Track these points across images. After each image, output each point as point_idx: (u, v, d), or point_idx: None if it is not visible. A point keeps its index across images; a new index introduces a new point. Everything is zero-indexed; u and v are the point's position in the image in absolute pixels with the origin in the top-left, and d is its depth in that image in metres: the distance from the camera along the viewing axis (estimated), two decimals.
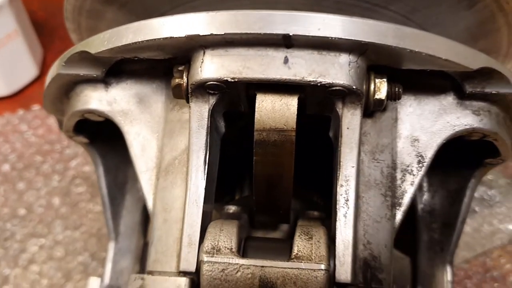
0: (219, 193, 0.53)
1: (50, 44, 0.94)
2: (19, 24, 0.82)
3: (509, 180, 0.77)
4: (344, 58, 0.35)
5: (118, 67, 0.42)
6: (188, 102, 0.37)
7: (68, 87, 0.44)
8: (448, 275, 0.50)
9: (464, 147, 0.49)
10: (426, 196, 0.53)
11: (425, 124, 0.40)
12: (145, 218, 0.54)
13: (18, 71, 0.86)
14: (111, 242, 0.53)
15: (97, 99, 0.42)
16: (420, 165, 0.39)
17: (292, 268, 0.34)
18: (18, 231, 0.73)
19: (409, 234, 0.55)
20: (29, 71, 0.87)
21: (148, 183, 0.40)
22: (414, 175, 0.39)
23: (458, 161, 0.51)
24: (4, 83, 0.85)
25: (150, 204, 0.40)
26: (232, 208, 0.43)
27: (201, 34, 0.34)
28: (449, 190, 0.52)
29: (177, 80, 0.37)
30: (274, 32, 0.33)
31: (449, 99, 0.40)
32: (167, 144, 0.40)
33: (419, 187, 0.54)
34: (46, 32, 0.96)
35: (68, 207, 0.75)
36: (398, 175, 0.39)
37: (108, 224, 0.53)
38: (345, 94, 0.35)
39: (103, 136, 0.51)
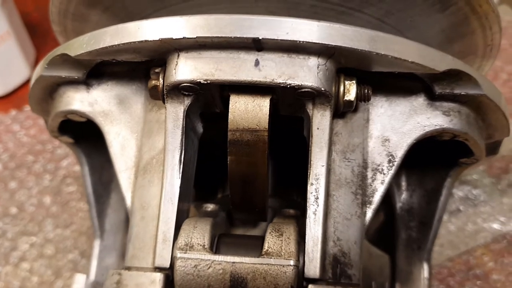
0: (201, 192, 0.54)
1: (43, 45, 0.95)
2: (11, 25, 0.83)
3: (494, 179, 0.78)
4: (313, 61, 0.36)
5: (99, 69, 0.43)
6: (164, 103, 0.38)
7: (52, 89, 0.45)
8: (425, 272, 0.51)
9: (440, 147, 0.50)
10: (404, 195, 0.55)
11: (396, 125, 0.41)
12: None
13: (11, 72, 0.87)
14: (96, 240, 0.54)
15: (79, 100, 0.43)
16: (391, 164, 0.40)
17: (262, 264, 0.35)
18: (10, 230, 0.74)
19: (388, 232, 0.56)
20: (22, 72, 0.88)
21: (127, 181, 0.41)
22: (384, 174, 0.40)
23: (434, 161, 0.52)
24: None
25: (128, 202, 0.41)
26: (210, 206, 0.44)
27: (174, 37, 0.35)
28: (426, 189, 0.53)
29: (153, 82, 0.38)
30: (244, 36, 0.34)
31: (419, 100, 0.41)
32: (145, 144, 0.42)
33: (398, 186, 0.55)
34: (40, 34, 0.97)
35: (59, 206, 0.76)
36: (369, 174, 0.40)
37: (93, 222, 0.54)
38: (314, 96, 0.36)
39: (88, 136, 0.52)
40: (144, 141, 0.42)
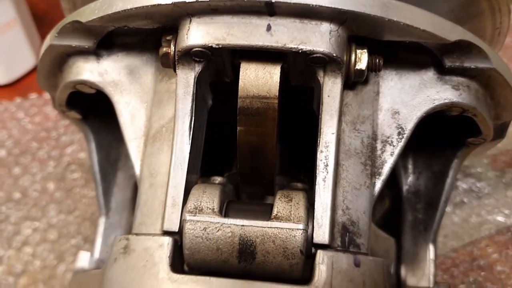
0: (208, 172, 0.54)
1: None
2: (19, 13, 0.83)
3: (498, 172, 0.78)
4: (325, 27, 0.36)
5: (110, 40, 0.43)
6: (175, 70, 0.39)
7: (61, 60, 0.45)
8: (430, 253, 0.51)
9: (448, 128, 0.50)
10: (411, 178, 0.55)
11: (406, 98, 0.41)
12: (136, 195, 0.56)
13: (17, 60, 0.87)
14: (101, 218, 0.54)
15: (89, 71, 0.43)
16: (400, 136, 0.40)
17: (271, 227, 0.35)
18: (13, 214, 0.74)
19: (394, 216, 0.56)
20: (27, 60, 0.89)
21: (136, 150, 0.41)
22: (394, 146, 0.40)
23: (442, 142, 0.52)
24: (3, 71, 0.87)
25: (137, 171, 0.41)
26: (218, 179, 0.44)
27: (187, 1, 0.35)
28: (433, 171, 0.53)
29: (164, 49, 0.38)
30: None
31: (429, 74, 0.41)
32: (155, 113, 0.42)
33: (405, 169, 0.55)
34: (46, 24, 0.97)
35: (63, 192, 0.76)
36: (379, 145, 0.40)
37: (99, 200, 0.54)
38: (325, 62, 0.36)
39: (97, 113, 0.52)
40: (154, 111, 0.42)
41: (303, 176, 0.53)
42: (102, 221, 0.54)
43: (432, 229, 0.51)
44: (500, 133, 0.51)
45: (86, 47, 0.42)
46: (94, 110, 0.52)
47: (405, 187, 0.54)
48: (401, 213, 0.54)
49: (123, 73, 0.43)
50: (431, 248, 0.51)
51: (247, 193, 0.46)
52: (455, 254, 0.70)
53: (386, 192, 0.60)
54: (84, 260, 0.52)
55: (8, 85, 0.89)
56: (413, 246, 0.52)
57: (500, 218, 0.73)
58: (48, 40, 0.44)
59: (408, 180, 0.54)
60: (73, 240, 0.72)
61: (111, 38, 0.43)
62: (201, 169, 0.51)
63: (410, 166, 0.55)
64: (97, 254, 0.53)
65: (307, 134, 0.48)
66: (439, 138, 0.52)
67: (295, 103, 0.46)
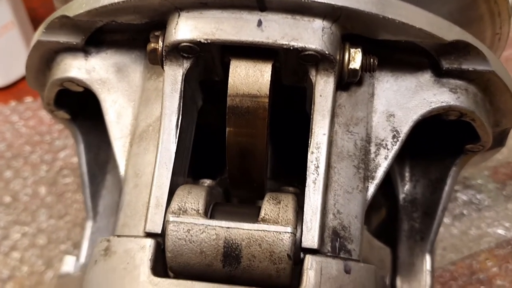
0: (202, 177, 0.52)
1: None
2: (16, 15, 0.83)
3: (499, 185, 0.76)
4: (318, 24, 0.35)
5: (99, 37, 0.42)
6: (163, 67, 0.37)
7: (49, 57, 0.44)
8: (427, 264, 0.49)
9: (446, 134, 0.49)
10: (408, 186, 0.53)
11: (401, 100, 0.40)
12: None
13: (13, 63, 0.86)
14: (88, 221, 0.52)
15: (77, 68, 0.42)
16: (395, 139, 0.39)
17: (257, 230, 0.33)
18: (2, 218, 0.72)
19: (390, 225, 0.55)
20: (24, 64, 0.87)
21: (121, 149, 0.40)
22: (388, 149, 0.39)
23: (440, 150, 0.50)
24: None
25: (122, 171, 0.39)
26: (207, 182, 0.43)
27: None
28: (431, 179, 0.51)
29: (152, 45, 0.37)
30: None
31: (426, 77, 0.40)
32: (142, 112, 0.40)
33: (401, 177, 0.54)
34: None
35: (54, 197, 0.75)
36: (372, 148, 0.39)
37: (86, 203, 0.52)
38: (318, 60, 0.35)
39: (86, 113, 0.51)
40: (141, 109, 0.41)
41: (296, 181, 0.51)
42: (89, 225, 0.52)
43: (429, 239, 0.50)
44: (499, 141, 0.49)
45: (74, 43, 0.41)
46: (83, 111, 0.51)
47: (401, 196, 0.53)
48: (397, 222, 0.52)
49: (111, 71, 0.42)
50: (427, 258, 0.50)
51: (238, 197, 0.45)
52: (454, 267, 0.68)
53: (382, 201, 0.59)
54: (69, 264, 0.51)
55: (4, 88, 0.88)
56: (409, 256, 0.51)
57: (500, 231, 0.71)
58: (36, 36, 0.43)
59: (405, 188, 0.53)
60: (62, 245, 0.70)
61: (100, 35, 0.42)
62: (194, 173, 0.50)
63: (407, 174, 0.53)
64: (83, 258, 0.51)
65: (301, 138, 0.46)
66: (437, 145, 0.50)
67: (288, 105, 0.44)
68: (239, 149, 0.39)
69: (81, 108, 0.50)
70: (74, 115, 0.50)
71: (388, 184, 0.55)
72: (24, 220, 0.72)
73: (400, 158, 0.53)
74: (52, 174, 0.77)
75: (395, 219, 0.53)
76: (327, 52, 0.35)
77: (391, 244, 0.53)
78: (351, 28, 0.36)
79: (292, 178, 0.51)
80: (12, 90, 0.89)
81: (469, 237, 0.71)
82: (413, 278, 0.50)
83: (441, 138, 0.50)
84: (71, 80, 0.43)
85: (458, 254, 0.69)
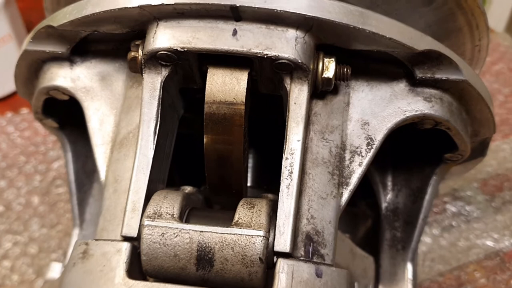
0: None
1: None
2: (13, 28, 0.84)
3: (488, 197, 0.76)
4: (291, 33, 0.36)
5: (84, 47, 0.43)
6: (142, 75, 0.38)
7: (37, 66, 0.45)
8: (409, 272, 0.50)
9: (426, 144, 0.50)
10: (390, 195, 0.54)
11: (376, 109, 0.40)
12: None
13: (10, 75, 0.87)
14: (75, 229, 0.53)
15: (62, 76, 0.44)
16: (369, 147, 0.40)
17: (230, 233, 0.34)
18: None
19: (373, 234, 0.55)
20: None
21: (102, 156, 0.41)
22: (362, 156, 0.39)
23: (420, 159, 0.51)
24: None
25: (102, 176, 0.40)
26: (187, 188, 0.43)
27: (152, 4, 0.35)
28: (412, 189, 0.52)
29: (133, 53, 0.38)
30: (222, 3, 0.34)
31: (401, 86, 0.41)
32: (123, 119, 0.41)
33: (384, 187, 0.54)
34: None
35: (47, 206, 0.76)
36: (347, 155, 0.39)
37: (73, 211, 0.53)
38: (292, 69, 0.36)
39: (74, 122, 0.52)
40: (122, 117, 0.41)
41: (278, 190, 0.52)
42: (75, 233, 0.53)
43: (410, 248, 0.50)
44: (481, 151, 0.50)
45: (60, 52, 0.42)
46: (71, 120, 0.52)
47: (384, 205, 0.53)
48: (380, 231, 0.53)
49: (95, 79, 0.43)
50: (409, 267, 0.50)
51: (218, 204, 0.45)
52: (442, 278, 0.69)
53: (368, 211, 0.59)
54: (55, 271, 0.52)
55: (0, 99, 0.90)
56: (391, 265, 0.51)
57: (489, 243, 0.72)
58: (23, 46, 0.44)
59: (387, 198, 0.54)
60: (53, 254, 0.71)
61: (86, 45, 0.43)
62: (180, 182, 0.51)
63: (389, 183, 0.54)
64: None
65: (281, 146, 0.47)
66: (417, 155, 0.51)
67: (268, 114, 0.45)
68: (216, 155, 0.39)
69: (69, 117, 0.52)
70: (62, 124, 0.52)
71: (373, 195, 0.56)
72: (16, 229, 0.73)
73: (382, 168, 0.54)
74: (45, 184, 0.78)
75: (378, 228, 0.53)
76: (300, 61, 0.35)
77: (374, 253, 0.53)
78: (324, 38, 0.37)
79: (275, 186, 0.52)
80: (9, 101, 0.90)
81: (457, 249, 0.71)
82: (395, 287, 0.50)
83: (422, 148, 0.50)
84: (57, 89, 0.44)
85: (447, 265, 0.70)
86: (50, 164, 0.81)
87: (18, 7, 0.88)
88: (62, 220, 0.74)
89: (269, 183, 0.51)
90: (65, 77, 0.43)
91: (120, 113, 0.42)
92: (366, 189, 0.55)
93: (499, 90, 0.91)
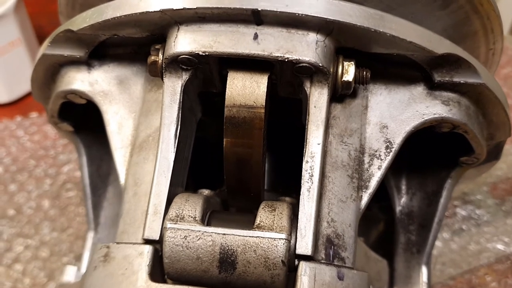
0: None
1: None
2: (23, 33, 0.85)
3: (498, 200, 0.76)
4: (312, 37, 0.36)
5: (102, 51, 0.44)
6: (162, 79, 0.39)
7: (54, 70, 0.45)
8: (423, 276, 0.50)
9: (441, 148, 0.50)
10: (404, 199, 0.54)
11: (394, 112, 0.41)
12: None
13: (19, 79, 0.88)
14: (90, 232, 0.53)
15: (80, 80, 0.44)
16: (388, 150, 0.40)
17: (252, 236, 0.34)
18: (6, 231, 0.73)
19: (387, 238, 0.55)
20: (29, 80, 0.89)
21: (122, 159, 0.41)
22: (381, 159, 0.39)
23: (435, 162, 0.51)
24: (5, 90, 0.88)
25: (122, 180, 0.40)
26: (205, 192, 0.44)
27: (174, 8, 0.35)
28: (427, 192, 0.52)
29: (153, 57, 0.39)
30: (244, 7, 0.35)
31: (419, 89, 0.41)
32: (142, 123, 0.41)
33: (398, 190, 0.54)
34: None
35: (57, 210, 0.76)
36: (366, 159, 0.40)
37: (88, 214, 0.53)
38: (312, 72, 0.36)
39: (89, 126, 0.52)
40: (141, 120, 0.42)
41: (295, 193, 0.52)
42: (90, 236, 0.53)
43: (425, 251, 0.50)
44: (495, 155, 0.50)
45: (78, 56, 0.43)
46: (86, 123, 0.52)
47: (398, 208, 0.54)
48: (394, 234, 0.53)
49: (113, 83, 0.43)
50: (424, 271, 0.50)
51: (235, 207, 0.45)
52: (453, 282, 0.69)
53: (381, 214, 0.59)
54: (70, 274, 0.52)
55: (10, 103, 0.90)
56: (406, 268, 0.51)
57: (499, 246, 0.72)
58: (42, 50, 0.44)
59: (402, 201, 0.54)
60: (65, 258, 0.71)
61: (104, 49, 0.43)
62: (195, 185, 0.51)
63: (403, 187, 0.54)
64: (84, 268, 0.52)
65: (299, 150, 0.47)
66: (432, 158, 0.51)
67: (286, 118, 0.45)
68: (236, 159, 0.40)
69: (84, 121, 0.52)
70: (77, 127, 0.52)
71: (386, 197, 0.56)
72: (27, 232, 0.73)
73: (396, 171, 0.54)
74: (55, 187, 0.79)
75: (392, 231, 0.54)
76: (320, 65, 0.36)
77: (388, 257, 0.53)
78: (344, 42, 0.37)
79: (290, 190, 0.52)
80: (18, 105, 0.90)
81: (468, 252, 0.71)
82: None
83: (437, 151, 0.51)
84: (74, 92, 0.44)
85: (457, 269, 0.70)
86: (60, 168, 0.81)
87: (27, 12, 0.89)
88: (73, 224, 0.74)
89: (284, 187, 0.51)
90: (83, 80, 0.44)
91: (139, 116, 0.42)
92: (379, 192, 0.55)
93: (508, 94, 0.91)
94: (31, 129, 0.86)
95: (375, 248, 0.56)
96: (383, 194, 0.56)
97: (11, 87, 0.88)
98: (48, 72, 0.46)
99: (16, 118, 0.88)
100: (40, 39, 0.94)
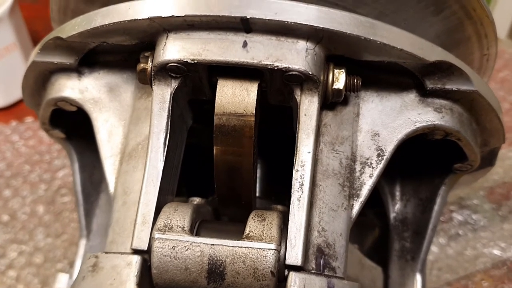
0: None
1: None
2: (18, 37, 0.84)
3: (494, 205, 0.76)
4: (302, 45, 0.36)
5: (93, 58, 0.43)
6: (152, 86, 0.38)
7: (45, 77, 0.45)
8: (418, 283, 0.50)
9: (435, 155, 0.49)
10: (398, 205, 0.53)
11: (386, 120, 0.40)
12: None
13: (14, 84, 0.88)
14: (82, 239, 0.53)
15: (70, 88, 0.43)
16: (380, 158, 0.39)
17: (241, 246, 0.34)
18: (0, 237, 0.73)
19: (381, 245, 0.55)
20: None
21: (111, 167, 0.41)
22: (373, 167, 0.39)
23: (429, 169, 0.51)
24: (0, 95, 0.87)
25: (111, 188, 0.40)
26: (196, 200, 0.43)
27: (163, 15, 0.35)
28: (421, 199, 0.52)
29: (142, 65, 0.38)
30: (232, 15, 0.34)
31: (411, 96, 0.41)
32: (132, 131, 0.41)
33: (392, 197, 0.54)
34: None
35: (52, 216, 0.75)
36: (357, 167, 0.39)
37: (80, 221, 0.53)
38: (302, 81, 0.36)
39: (81, 133, 0.52)
40: (131, 128, 0.41)
41: (287, 201, 0.52)
42: (82, 243, 0.53)
43: (419, 259, 0.50)
44: (489, 161, 0.50)
45: (68, 64, 0.42)
46: (78, 131, 0.52)
47: (392, 215, 0.53)
48: (388, 241, 0.53)
49: (103, 91, 0.43)
50: (418, 278, 0.50)
51: (227, 215, 0.45)
52: (449, 287, 0.68)
53: (376, 221, 0.59)
54: (62, 282, 0.51)
55: (5, 108, 0.90)
56: (400, 276, 0.51)
57: (496, 252, 0.71)
58: (32, 57, 0.44)
59: (396, 208, 0.53)
60: (59, 264, 0.71)
61: (94, 56, 0.43)
62: (187, 193, 0.51)
63: (397, 193, 0.53)
64: (75, 276, 0.51)
65: (290, 157, 0.47)
66: (426, 165, 0.51)
67: (277, 126, 0.45)
68: (226, 167, 0.39)
69: (76, 128, 0.51)
70: (69, 134, 0.51)
71: (381, 204, 0.56)
72: (22, 238, 0.73)
73: (390, 178, 0.54)
74: (50, 193, 0.78)
75: (386, 238, 0.53)
76: (310, 73, 0.35)
77: (383, 263, 0.53)
78: (334, 50, 0.36)
79: (283, 197, 0.51)
80: (13, 110, 0.90)
81: (464, 258, 0.71)
82: None
83: (431, 158, 0.50)
84: (65, 100, 0.44)
85: (454, 274, 0.69)
86: (55, 173, 0.80)
87: (23, 16, 0.89)
88: (67, 230, 0.74)
89: (277, 194, 0.51)
90: (73, 88, 0.43)
91: (129, 124, 0.42)
92: (374, 198, 0.55)
93: (504, 97, 0.90)
94: (26, 134, 0.86)
95: (370, 254, 0.55)
96: (378, 200, 0.56)
97: (6, 92, 0.88)
98: (39, 79, 0.45)
99: (11, 123, 0.87)
100: (36, 44, 0.93)
